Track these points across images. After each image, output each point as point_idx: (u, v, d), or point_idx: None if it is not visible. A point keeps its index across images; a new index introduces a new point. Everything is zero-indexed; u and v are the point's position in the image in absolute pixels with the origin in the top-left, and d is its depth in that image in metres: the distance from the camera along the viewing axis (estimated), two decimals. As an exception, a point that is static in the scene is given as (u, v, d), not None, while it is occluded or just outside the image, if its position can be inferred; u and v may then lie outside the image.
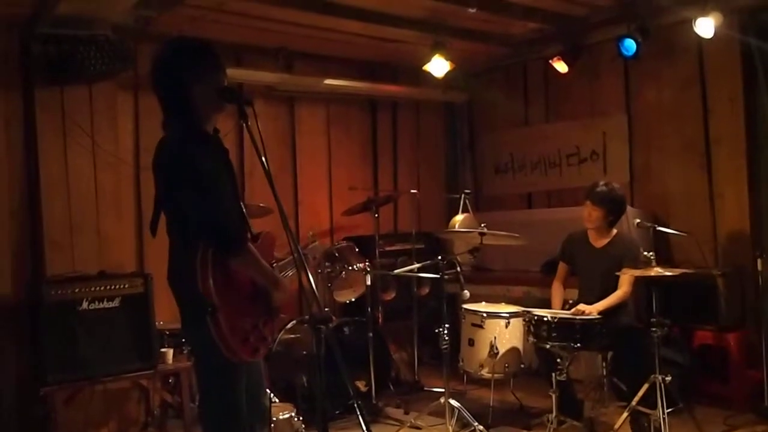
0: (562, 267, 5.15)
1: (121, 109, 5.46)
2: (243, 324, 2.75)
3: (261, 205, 4.76)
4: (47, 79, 4.91)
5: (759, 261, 4.92)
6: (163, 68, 3.01)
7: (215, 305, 2.62)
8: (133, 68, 5.35)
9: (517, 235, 4.95)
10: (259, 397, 3.06)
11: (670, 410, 4.28)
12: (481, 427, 4.64)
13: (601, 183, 4.90)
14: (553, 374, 4.53)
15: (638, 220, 5.04)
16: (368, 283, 5.46)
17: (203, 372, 2.93)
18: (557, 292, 5.11)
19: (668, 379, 4.28)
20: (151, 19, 5.26)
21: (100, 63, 4.80)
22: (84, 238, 5.06)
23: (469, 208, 6.36)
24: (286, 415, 4.01)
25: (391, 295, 6.25)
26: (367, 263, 5.49)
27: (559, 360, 4.55)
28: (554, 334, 4.50)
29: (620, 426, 4.46)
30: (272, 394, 3.89)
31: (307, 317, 2.64)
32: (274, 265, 2.96)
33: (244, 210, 2.94)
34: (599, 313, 4.59)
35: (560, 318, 4.55)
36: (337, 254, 5.61)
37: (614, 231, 4.92)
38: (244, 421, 2.86)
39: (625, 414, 4.45)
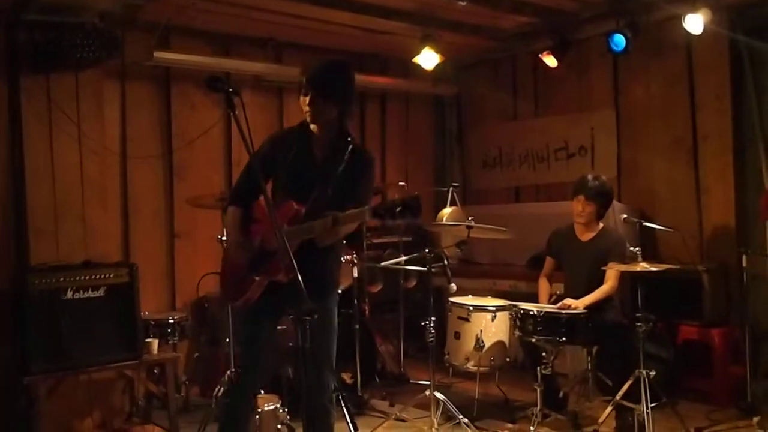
0: (548, 262, 5.16)
1: (107, 97, 5.42)
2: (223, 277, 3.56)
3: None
4: (33, 66, 4.85)
5: (744, 257, 4.95)
6: None
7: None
8: (120, 56, 5.31)
9: (504, 228, 4.95)
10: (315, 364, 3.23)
11: (653, 405, 4.31)
12: (466, 420, 4.65)
13: (591, 177, 4.91)
14: (539, 368, 4.55)
15: (625, 216, 5.06)
16: (355, 275, 5.44)
17: None
18: (543, 286, 5.12)
19: (652, 374, 4.32)
20: (139, 7, 5.22)
21: (86, 51, 4.75)
22: (69, 227, 5.02)
23: (457, 201, 6.36)
24: (272, 407, 4.01)
25: (377, 288, 6.25)
26: (354, 255, 5.47)
27: (544, 354, 4.57)
28: (540, 328, 4.52)
29: (604, 420, 4.48)
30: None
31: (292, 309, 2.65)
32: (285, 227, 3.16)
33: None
34: (585, 308, 4.61)
35: (546, 312, 4.57)
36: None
37: (600, 225, 4.93)
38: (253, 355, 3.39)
39: (609, 408, 4.48)
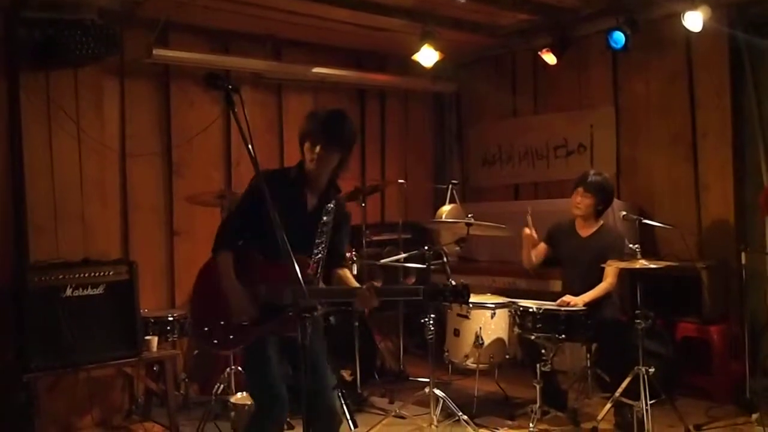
0: (542, 245, 5.10)
1: (106, 94, 5.42)
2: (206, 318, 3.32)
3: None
4: (32, 63, 4.85)
5: (743, 254, 4.95)
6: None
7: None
8: (120, 53, 5.30)
9: (503, 225, 4.96)
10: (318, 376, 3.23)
11: (652, 401, 4.32)
12: (465, 417, 4.65)
13: (593, 172, 4.93)
14: (538, 365, 4.55)
15: (624, 213, 5.06)
16: (355, 272, 5.45)
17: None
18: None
19: (651, 370, 4.32)
20: (138, 4, 5.21)
21: (85, 48, 4.75)
22: (68, 224, 5.02)
23: (456, 198, 6.37)
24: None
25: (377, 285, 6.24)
26: (353, 253, 5.48)
27: (543, 351, 4.57)
28: (539, 326, 4.53)
29: (603, 417, 4.49)
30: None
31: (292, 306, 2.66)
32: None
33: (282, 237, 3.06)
34: (584, 305, 4.61)
35: (545, 309, 4.57)
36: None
37: (600, 222, 4.93)
38: (272, 388, 3.24)
39: (609, 405, 4.49)
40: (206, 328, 3.33)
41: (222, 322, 3.26)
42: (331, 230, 3.34)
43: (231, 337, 3.26)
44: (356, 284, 3.40)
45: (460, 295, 3.06)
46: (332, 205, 3.35)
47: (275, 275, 3.15)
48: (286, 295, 3.16)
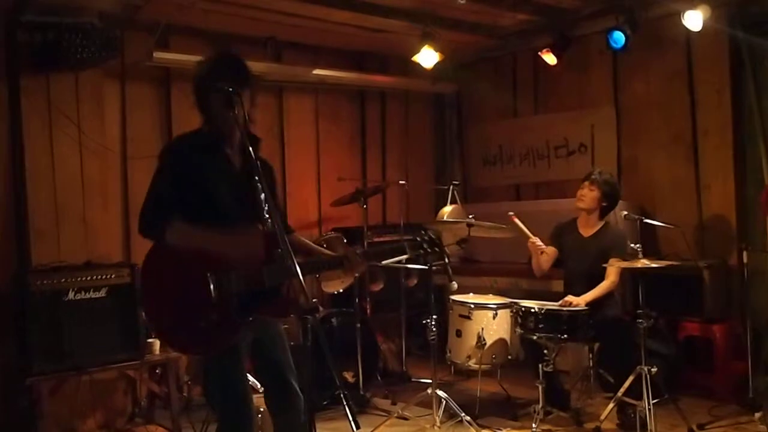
0: (551, 249, 5.09)
1: (107, 97, 5.42)
2: (177, 320, 2.79)
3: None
4: (33, 66, 4.86)
5: (744, 253, 4.94)
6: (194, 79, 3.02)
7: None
8: (120, 57, 5.31)
9: (505, 226, 4.95)
10: (281, 371, 3.07)
11: (655, 401, 4.31)
12: (468, 418, 4.65)
13: (600, 170, 4.96)
14: (540, 365, 4.55)
15: (625, 212, 5.05)
16: (356, 273, 5.44)
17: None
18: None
19: (654, 370, 4.32)
20: (138, 7, 5.22)
21: (86, 51, 4.75)
22: (70, 227, 5.02)
23: (458, 199, 6.36)
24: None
25: (379, 286, 6.26)
26: (355, 253, 5.47)
27: (546, 351, 4.57)
28: (541, 326, 4.53)
29: (606, 416, 4.49)
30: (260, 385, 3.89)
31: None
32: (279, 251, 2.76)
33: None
34: (586, 305, 4.61)
35: (547, 309, 4.57)
36: (325, 245, 5.59)
37: (603, 221, 4.93)
38: (245, 400, 2.93)
39: (611, 405, 4.48)
40: (185, 337, 2.82)
41: (196, 316, 2.76)
42: (264, 187, 2.84)
43: (216, 336, 2.79)
44: (326, 251, 3.25)
45: (434, 243, 3.09)
46: (258, 159, 2.84)
47: (236, 256, 2.78)
48: (267, 274, 2.81)
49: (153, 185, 2.90)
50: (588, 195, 4.85)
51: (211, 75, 2.91)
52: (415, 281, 6.34)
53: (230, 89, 2.79)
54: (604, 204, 4.87)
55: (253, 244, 2.83)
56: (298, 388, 3.07)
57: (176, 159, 2.91)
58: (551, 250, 5.05)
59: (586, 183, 4.87)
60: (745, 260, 4.94)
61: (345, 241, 5.74)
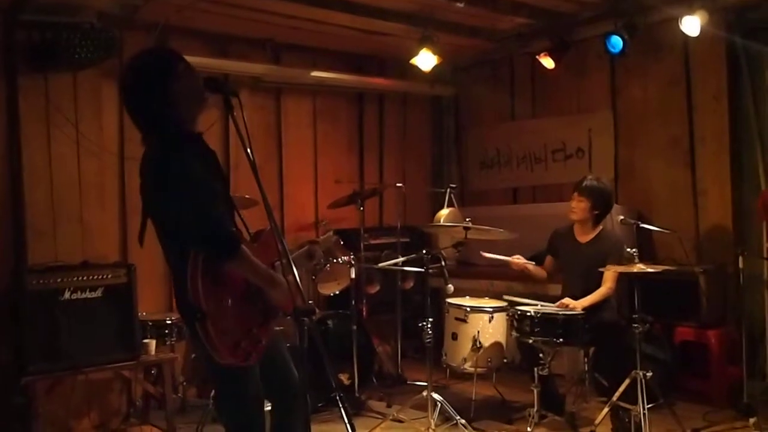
0: (548, 259, 5.15)
1: (105, 97, 5.41)
2: (234, 329, 2.69)
3: (246, 196, 4.75)
4: (31, 66, 4.86)
5: (741, 258, 4.94)
6: (138, 81, 3.01)
7: (204, 312, 2.57)
8: (119, 57, 5.30)
9: (501, 230, 4.96)
10: (287, 381, 3.08)
11: (650, 406, 4.31)
12: (463, 421, 4.65)
13: (590, 177, 4.93)
14: (536, 369, 4.55)
15: (622, 217, 5.07)
16: (353, 276, 5.45)
17: (213, 377, 2.99)
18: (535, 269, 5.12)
19: (649, 374, 4.31)
20: (137, 7, 5.22)
21: (84, 51, 4.76)
22: (67, 227, 5.02)
23: (455, 202, 6.38)
24: (269, 407, 4.00)
25: (375, 289, 6.26)
26: (351, 256, 5.48)
27: (541, 355, 4.57)
28: (537, 329, 4.53)
29: (601, 421, 4.49)
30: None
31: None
32: (276, 263, 2.84)
33: (237, 211, 2.92)
34: (583, 309, 4.61)
35: (543, 313, 4.57)
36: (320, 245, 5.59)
37: (600, 227, 4.93)
38: (258, 416, 2.94)
39: (606, 409, 4.48)
40: (236, 343, 2.71)
41: (255, 325, 2.79)
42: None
43: (249, 344, 2.77)
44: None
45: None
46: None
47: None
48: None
49: (197, 204, 2.65)
50: (578, 207, 4.85)
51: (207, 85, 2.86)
52: (412, 284, 6.34)
53: (228, 90, 2.77)
54: (596, 212, 4.86)
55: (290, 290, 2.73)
56: (297, 389, 3.09)
57: (193, 171, 2.74)
58: (548, 260, 5.12)
59: (575, 194, 4.87)
60: (741, 265, 4.94)
61: (342, 243, 5.73)
